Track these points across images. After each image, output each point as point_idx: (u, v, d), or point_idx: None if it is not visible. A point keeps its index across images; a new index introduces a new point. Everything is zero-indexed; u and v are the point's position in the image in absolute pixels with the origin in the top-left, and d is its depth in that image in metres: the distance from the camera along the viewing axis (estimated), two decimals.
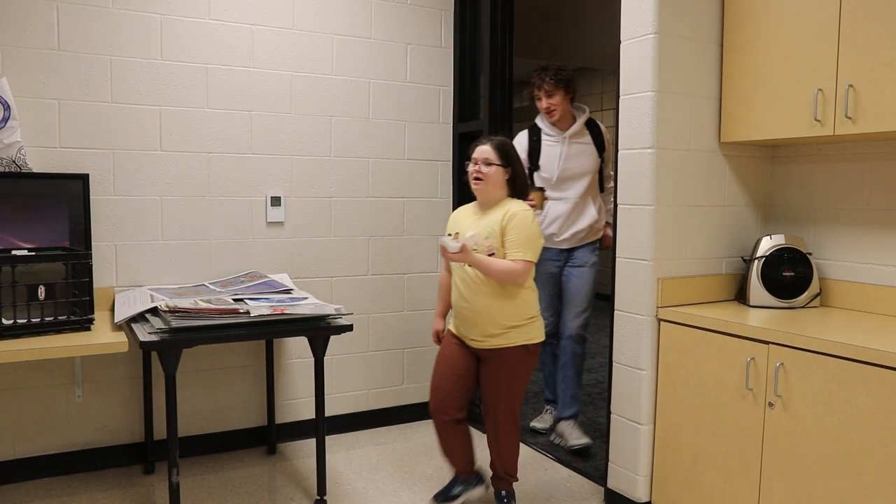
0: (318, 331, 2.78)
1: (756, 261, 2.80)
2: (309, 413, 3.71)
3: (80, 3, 3.09)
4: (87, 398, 3.22)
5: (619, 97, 2.83)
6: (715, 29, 2.82)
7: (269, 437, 3.56)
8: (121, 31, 3.18)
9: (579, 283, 3.57)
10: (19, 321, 2.50)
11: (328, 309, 2.85)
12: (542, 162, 3.55)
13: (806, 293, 2.77)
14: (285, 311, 2.77)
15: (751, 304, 2.79)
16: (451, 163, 4.01)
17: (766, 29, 2.65)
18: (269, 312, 2.72)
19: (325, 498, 2.92)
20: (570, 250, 3.61)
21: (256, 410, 3.61)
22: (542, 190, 3.45)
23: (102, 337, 2.57)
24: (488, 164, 2.66)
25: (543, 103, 3.48)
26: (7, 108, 2.93)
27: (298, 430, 3.70)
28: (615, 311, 2.89)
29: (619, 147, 2.84)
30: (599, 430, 3.78)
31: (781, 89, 2.60)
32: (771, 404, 2.35)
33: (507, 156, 2.68)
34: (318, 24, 3.59)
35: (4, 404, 3.08)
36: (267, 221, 3.53)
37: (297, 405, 3.71)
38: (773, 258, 2.78)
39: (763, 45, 2.67)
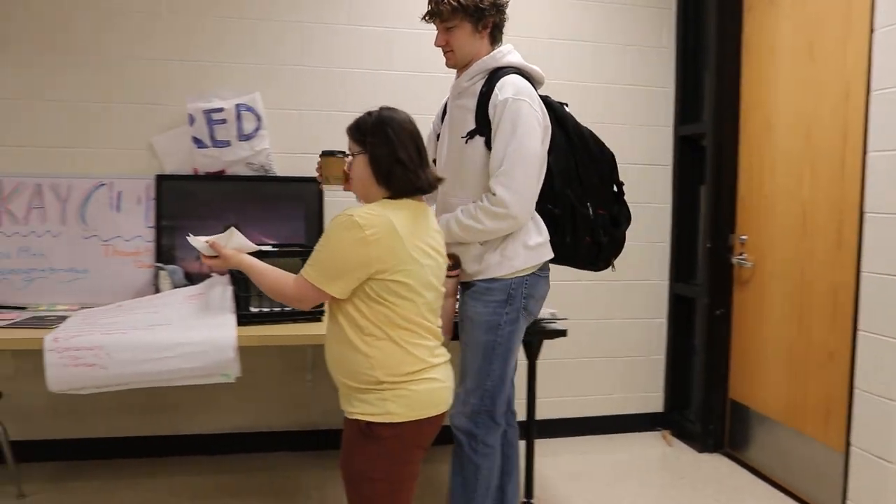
0: (533, 334, 2.78)
1: None
2: (518, 415, 3.72)
3: (319, 21, 3.39)
4: (316, 383, 3.50)
5: (868, 92, 2.54)
6: None
7: None
8: (353, 44, 3.43)
9: (466, 353, 2.34)
10: (263, 310, 2.78)
11: (543, 313, 2.85)
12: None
13: None
14: None
15: None
16: (670, 167, 3.84)
17: None
18: None
19: (531, 501, 2.92)
20: (463, 286, 2.37)
21: None
22: (335, 154, 2.20)
23: None
24: (349, 155, 1.94)
25: (438, 39, 2.37)
26: (259, 118, 3.28)
27: None
28: (858, 332, 2.59)
29: (869, 148, 2.54)
30: None
31: None
32: None
33: (360, 138, 1.87)
34: (538, 29, 3.62)
35: (249, 383, 3.42)
36: None
37: None
38: None
39: None
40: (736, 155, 3.52)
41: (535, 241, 2.29)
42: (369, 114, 1.89)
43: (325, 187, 2.32)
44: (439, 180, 1.93)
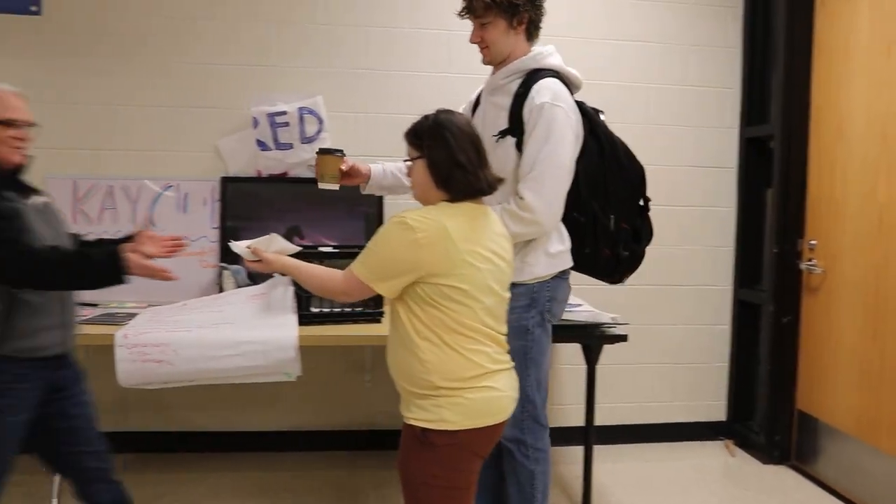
0: (594, 339, 2.75)
1: None
2: (576, 420, 3.67)
3: (382, 25, 3.43)
4: (375, 383, 3.52)
5: None
6: None
7: None
8: (415, 48, 3.46)
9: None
10: (324, 310, 2.81)
11: (604, 317, 2.82)
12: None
13: None
14: (562, 318, 2.77)
15: None
16: (735, 170, 3.75)
17: None
18: None
19: None
20: None
21: None
22: (332, 153, 2.29)
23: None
24: (408, 160, 1.91)
25: (472, 36, 2.32)
26: (321, 121, 3.34)
27: (563, 435, 3.69)
28: None
29: None
30: None
31: None
32: None
33: (418, 142, 1.86)
34: (601, 29, 3.58)
35: (309, 382, 3.46)
36: None
37: (565, 410, 3.71)
38: None
39: None
40: (805, 157, 3.41)
41: (557, 249, 2.27)
42: (426, 117, 1.87)
43: (321, 185, 2.33)
44: (499, 181, 1.89)
